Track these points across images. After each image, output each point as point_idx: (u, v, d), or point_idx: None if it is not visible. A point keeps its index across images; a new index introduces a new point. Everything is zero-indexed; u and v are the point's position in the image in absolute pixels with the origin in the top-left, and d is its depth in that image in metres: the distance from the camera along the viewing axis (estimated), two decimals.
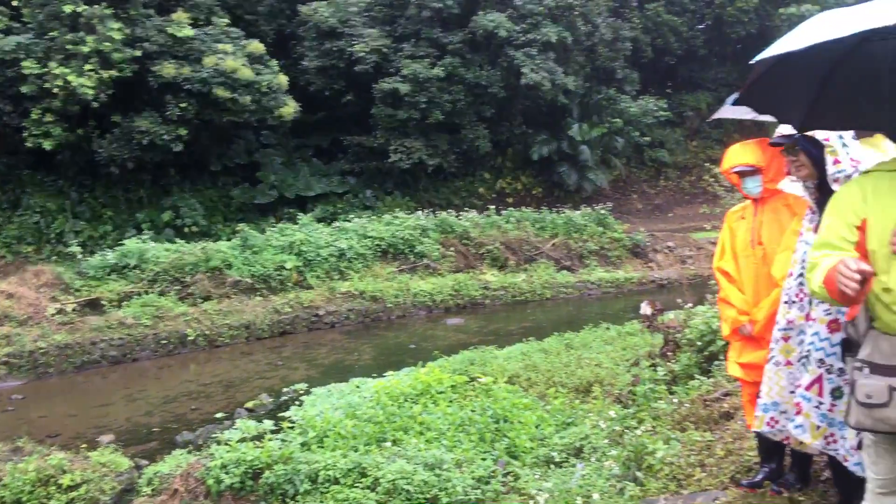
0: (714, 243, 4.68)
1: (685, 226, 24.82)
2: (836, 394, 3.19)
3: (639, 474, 4.81)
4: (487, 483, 6.21)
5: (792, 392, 3.45)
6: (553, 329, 13.12)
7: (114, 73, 19.18)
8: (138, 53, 19.72)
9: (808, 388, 3.24)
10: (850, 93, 2.81)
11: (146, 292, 15.32)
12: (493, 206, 22.26)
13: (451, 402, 8.50)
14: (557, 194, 26.96)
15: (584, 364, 9.75)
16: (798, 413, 3.29)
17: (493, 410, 7.86)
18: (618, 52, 28.07)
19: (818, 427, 3.23)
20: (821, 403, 3.22)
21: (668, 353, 8.39)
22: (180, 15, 20.96)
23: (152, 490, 7.09)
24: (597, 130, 26.76)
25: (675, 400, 6.50)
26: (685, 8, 31.45)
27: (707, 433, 5.29)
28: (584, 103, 27.77)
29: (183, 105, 20.20)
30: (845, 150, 3.25)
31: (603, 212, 21.83)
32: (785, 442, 3.66)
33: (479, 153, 25.77)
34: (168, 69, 19.93)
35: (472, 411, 7.96)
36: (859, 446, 3.09)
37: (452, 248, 19.51)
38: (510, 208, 22.34)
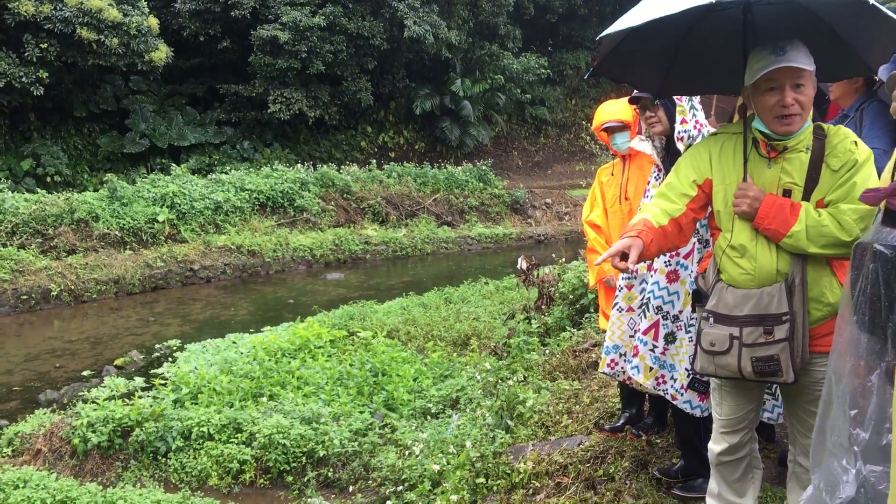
0: None
1: (563, 183, 25.54)
2: (669, 339, 3.51)
3: (510, 423, 4.98)
4: (365, 435, 6.27)
5: (631, 336, 3.71)
6: (433, 284, 13.27)
7: None
8: None
9: (645, 332, 3.54)
10: (700, 60, 2.99)
11: (4, 245, 14.37)
12: (375, 161, 22.15)
13: (329, 356, 8.50)
14: (439, 149, 27.08)
15: (463, 318, 9.94)
16: (635, 355, 3.58)
17: (372, 364, 7.92)
18: (500, 7, 28.21)
19: (651, 368, 3.53)
20: (655, 347, 3.51)
21: (542, 307, 8.68)
22: None
23: (13, 451, 6.75)
24: (479, 86, 26.95)
25: (547, 351, 6.75)
26: None
27: (575, 382, 5.54)
28: (467, 59, 27.86)
29: (43, 45, 18.85)
30: (692, 112, 3.45)
31: (484, 168, 22.11)
32: (627, 382, 3.91)
33: (361, 106, 25.45)
34: (26, 6, 18.51)
35: (351, 365, 7.99)
36: (689, 386, 3.37)
37: (333, 203, 19.32)
38: (392, 163, 22.28)
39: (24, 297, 13.49)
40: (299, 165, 20.57)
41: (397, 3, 24.03)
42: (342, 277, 15.88)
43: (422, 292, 12.28)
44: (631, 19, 2.57)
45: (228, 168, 20.56)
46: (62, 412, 7.38)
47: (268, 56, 22.97)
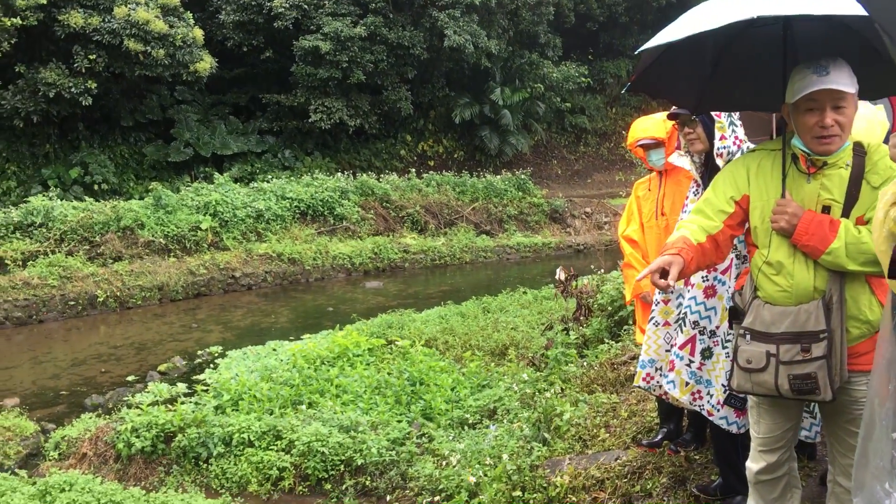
0: None
1: (603, 192, 25.36)
2: (706, 354, 3.48)
3: (547, 435, 4.98)
4: (402, 444, 6.31)
5: (667, 351, 3.69)
6: (471, 293, 13.29)
7: (17, 21, 18.17)
8: (44, 1, 18.70)
9: (681, 347, 3.51)
10: (739, 76, 2.98)
11: (53, 252, 14.76)
12: (414, 169, 22.25)
13: (368, 364, 8.56)
14: (479, 158, 27.10)
15: (501, 328, 9.94)
16: (671, 370, 3.55)
17: (410, 373, 7.96)
18: (541, 16, 28.16)
19: (687, 383, 3.50)
20: (691, 362, 3.48)
21: (581, 318, 8.64)
22: None
23: (59, 454, 6.94)
24: (519, 95, 26.92)
25: (585, 363, 6.72)
26: None
27: (613, 395, 5.51)
28: (507, 67, 27.85)
29: (92, 57, 19.33)
30: (732, 128, 3.43)
31: (523, 177, 22.07)
32: (663, 397, 3.88)
33: (400, 115, 25.61)
34: (76, 18, 19.01)
35: (389, 374, 8.04)
36: (726, 402, 3.34)
37: (372, 211, 19.45)
38: (431, 172, 22.36)
39: (72, 302, 13.82)
40: (339, 174, 20.76)
41: (438, 13, 24.15)
42: (381, 286, 15.98)
43: (460, 301, 12.30)
44: (670, 34, 2.57)
45: (270, 177, 20.81)
46: (107, 417, 7.55)
47: (309, 66, 23.24)
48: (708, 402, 3.47)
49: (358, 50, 23.18)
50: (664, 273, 2.58)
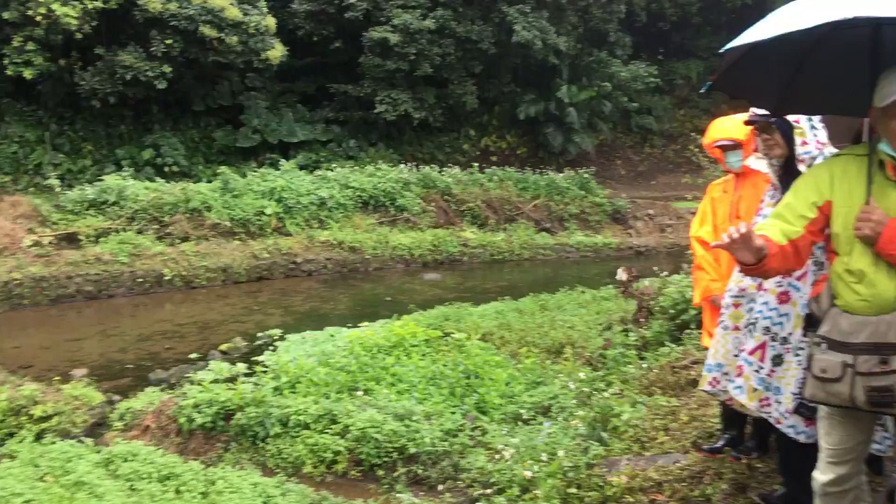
0: (695, 213, 4.77)
1: (667, 194, 24.94)
2: (777, 361, 3.39)
3: (604, 435, 4.94)
4: (455, 436, 6.32)
5: (736, 356, 3.62)
6: (529, 289, 13.23)
7: (98, 4, 18.75)
8: None
9: (751, 352, 3.43)
10: (822, 79, 2.89)
11: (124, 229, 15.23)
12: (477, 164, 22.21)
13: (423, 355, 8.60)
14: (542, 155, 26.94)
15: (558, 325, 9.87)
16: (739, 375, 3.48)
17: (465, 366, 7.97)
18: (612, 14, 27.83)
19: (755, 390, 3.42)
20: (761, 368, 3.40)
21: (641, 320, 8.53)
22: None
23: (124, 425, 7.15)
24: (585, 93, 26.66)
25: (644, 365, 6.64)
26: None
27: (673, 399, 5.43)
28: (575, 65, 27.59)
29: (168, 42, 19.83)
30: (813, 132, 3.34)
31: (586, 175, 21.86)
32: (728, 403, 3.81)
33: (465, 109, 25.62)
34: (154, 4, 19.51)
35: (444, 366, 8.06)
36: (795, 411, 3.26)
37: (433, 204, 19.52)
38: (493, 167, 22.30)
39: (140, 280, 14.24)
40: (402, 165, 20.88)
41: (507, 8, 24.07)
42: (439, 278, 16.04)
43: (517, 297, 12.26)
44: (757, 33, 2.52)
45: (334, 165, 21.05)
46: (170, 391, 7.76)
47: (377, 57, 23.42)
48: (776, 409, 3.40)
49: (426, 43, 23.26)
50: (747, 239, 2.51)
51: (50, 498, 5.14)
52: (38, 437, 6.63)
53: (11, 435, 6.69)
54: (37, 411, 6.92)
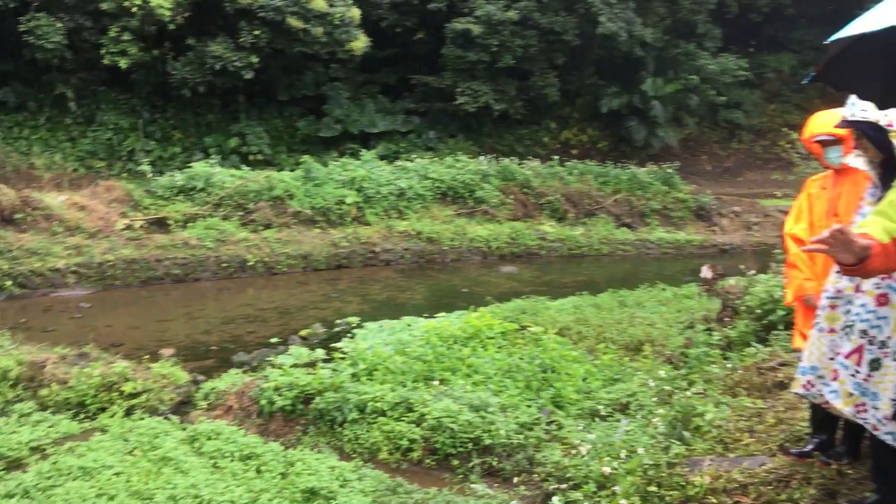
0: (784, 212, 4.58)
1: (755, 191, 24.18)
2: (874, 365, 3.23)
3: (685, 434, 4.81)
4: (531, 429, 6.27)
5: (831, 359, 3.47)
6: (608, 285, 13.03)
7: None
8: None
9: (847, 356, 3.29)
10: None
11: (210, 215, 15.69)
12: (557, 157, 21.98)
13: (500, 347, 8.57)
14: (623, 149, 26.48)
15: (637, 322, 9.68)
16: (834, 379, 3.35)
17: (542, 360, 7.90)
18: (701, 5, 27.10)
19: (851, 394, 3.28)
20: (857, 372, 3.25)
21: (725, 319, 8.28)
22: None
23: (208, 404, 7.36)
24: (671, 86, 26.06)
25: (729, 365, 6.43)
26: None
27: (759, 400, 5.24)
28: (661, 57, 26.99)
29: (256, 32, 20.30)
30: None
31: (669, 170, 21.38)
32: (824, 406, 3.65)
33: (546, 101, 25.39)
34: None
35: (521, 359, 8.01)
36: (893, 416, 3.09)
37: (512, 196, 19.42)
38: (574, 160, 22.04)
39: (225, 264, 14.65)
40: (481, 157, 20.84)
41: None
42: (516, 271, 15.97)
43: (595, 293, 12.08)
44: (865, 24, 2.41)
45: (413, 156, 21.19)
46: (252, 374, 7.94)
47: (459, 49, 23.43)
48: (873, 415, 3.24)
49: (509, 34, 23.14)
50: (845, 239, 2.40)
51: (138, 471, 5.33)
52: (128, 412, 6.89)
53: (103, 409, 6.97)
54: (127, 388, 7.19)
